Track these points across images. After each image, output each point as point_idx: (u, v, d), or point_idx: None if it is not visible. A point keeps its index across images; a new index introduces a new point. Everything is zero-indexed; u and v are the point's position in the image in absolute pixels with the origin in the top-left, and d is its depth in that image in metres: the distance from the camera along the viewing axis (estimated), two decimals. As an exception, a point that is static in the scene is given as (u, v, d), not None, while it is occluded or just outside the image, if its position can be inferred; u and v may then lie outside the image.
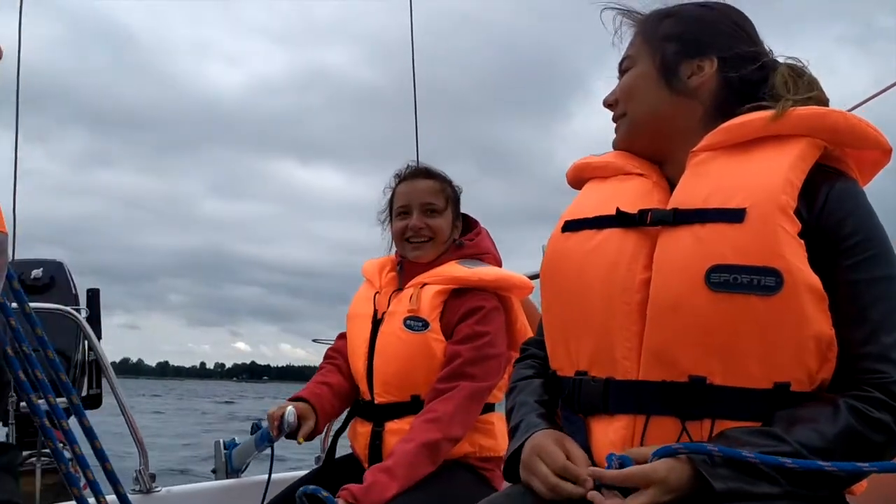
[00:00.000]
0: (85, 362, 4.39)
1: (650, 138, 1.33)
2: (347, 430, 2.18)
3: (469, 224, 2.26)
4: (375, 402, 2.05)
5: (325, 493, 1.74)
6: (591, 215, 1.29)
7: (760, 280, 1.08)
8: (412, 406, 1.98)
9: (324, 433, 2.77)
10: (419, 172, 2.20)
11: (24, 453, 3.54)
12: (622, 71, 1.38)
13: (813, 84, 1.27)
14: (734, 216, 1.12)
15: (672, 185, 1.27)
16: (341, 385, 2.17)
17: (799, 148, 1.18)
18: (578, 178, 1.44)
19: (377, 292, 2.17)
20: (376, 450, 2.00)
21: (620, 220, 1.24)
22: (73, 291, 4.74)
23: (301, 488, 1.78)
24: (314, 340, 4.07)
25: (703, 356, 1.12)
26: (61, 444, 1.47)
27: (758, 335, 1.09)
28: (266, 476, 2.21)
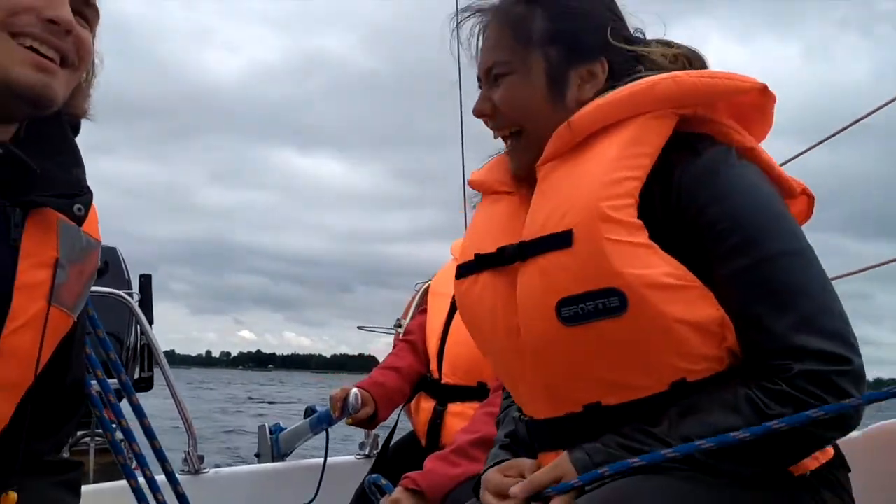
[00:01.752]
0: (137, 346, 4.50)
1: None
2: (411, 402, 2.21)
3: None
4: (442, 381, 2.08)
5: (384, 482, 1.80)
6: (470, 257, 1.22)
7: (605, 303, 1.02)
8: (477, 392, 1.99)
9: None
10: None
11: (79, 433, 3.65)
12: (495, 76, 1.20)
13: (689, 58, 1.18)
14: (563, 241, 1.06)
15: None
16: (412, 367, 2.19)
17: (630, 132, 1.08)
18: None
19: None
20: (436, 428, 2.02)
21: (485, 262, 1.18)
22: (127, 276, 4.85)
23: (368, 478, 1.84)
24: (359, 328, 4.10)
25: (588, 387, 1.09)
26: (113, 424, 1.50)
27: (627, 353, 1.04)
28: (314, 460, 2.25)
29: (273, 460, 2.79)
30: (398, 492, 1.77)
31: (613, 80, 1.15)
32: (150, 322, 2.90)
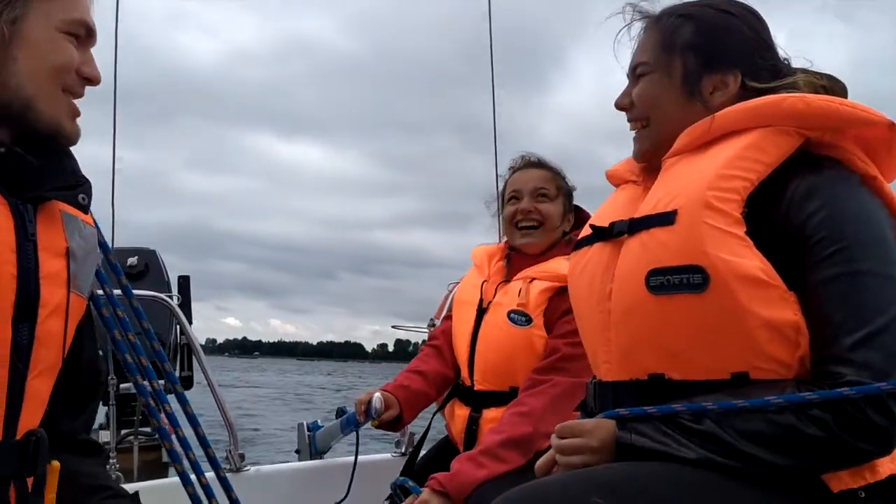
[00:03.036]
0: (177, 345, 4.60)
1: (667, 150, 1.30)
2: (445, 409, 2.23)
3: (582, 219, 2.24)
4: (475, 388, 2.09)
5: (411, 484, 1.83)
6: (588, 233, 1.38)
7: (689, 278, 1.11)
8: (511, 396, 1.99)
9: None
10: (532, 163, 2.23)
11: (123, 432, 3.75)
12: (637, 75, 1.34)
13: (828, 88, 1.25)
14: (667, 219, 1.16)
15: None
16: (437, 372, 2.21)
17: (751, 139, 1.16)
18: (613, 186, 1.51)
19: (485, 281, 2.20)
20: (472, 434, 2.03)
21: (598, 234, 1.33)
22: (166, 278, 4.94)
23: (394, 481, 1.88)
24: (394, 327, 4.14)
25: (658, 355, 1.17)
26: (165, 425, 1.56)
27: (699, 331, 1.12)
28: (351, 458, 2.28)
29: (311, 457, 2.84)
30: (425, 493, 1.79)
31: (746, 94, 1.24)
32: (190, 322, 2.96)
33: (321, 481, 2.55)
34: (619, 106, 1.38)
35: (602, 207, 1.43)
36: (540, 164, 2.22)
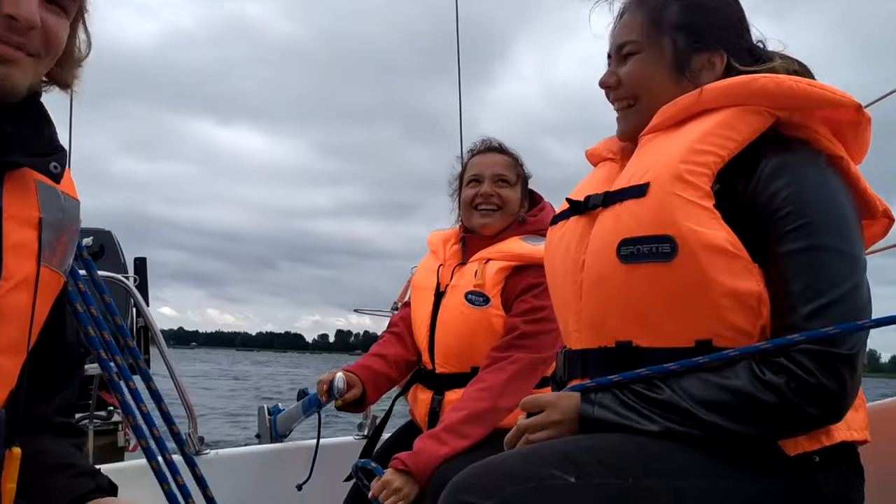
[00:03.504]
0: (133, 328, 4.51)
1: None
2: (408, 394, 2.24)
3: (534, 201, 2.28)
4: (436, 371, 2.11)
5: (373, 465, 1.85)
6: (566, 208, 1.41)
7: (658, 248, 1.15)
8: (472, 377, 2.01)
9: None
10: (492, 147, 2.25)
11: (77, 415, 3.67)
12: (624, 54, 1.35)
13: (800, 72, 1.28)
14: (639, 191, 1.20)
15: None
16: (399, 355, 2.23)
17: (722, 117, 1.20)
18: (592, 165, 1.54)
19: (441, 265, 2.22)
20: (435, 417, 2.05)
21: (574, 208, 1.36)
22: (122, 260, 4.84)
23: (355, 463, 1.89)
24: (356, 311, 4.12)
25: (626, 323, 1.21)
26: (112, 407, 1.53)
27: (666, 298, 1.16)
28: (312, 441, 2.27)
29: (272, 441, 2.82)
30: (388, 473, 1.81)
31: (730, 75, 1.28)
32: (147, 304, 2.90)
33: (282, 464, 2.53)
34: (606, 84, 1.38)
35: (580, 185, 1.46)
36: (501, 150, 2.25)
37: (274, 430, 2.89)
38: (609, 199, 1.27)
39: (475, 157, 2.25)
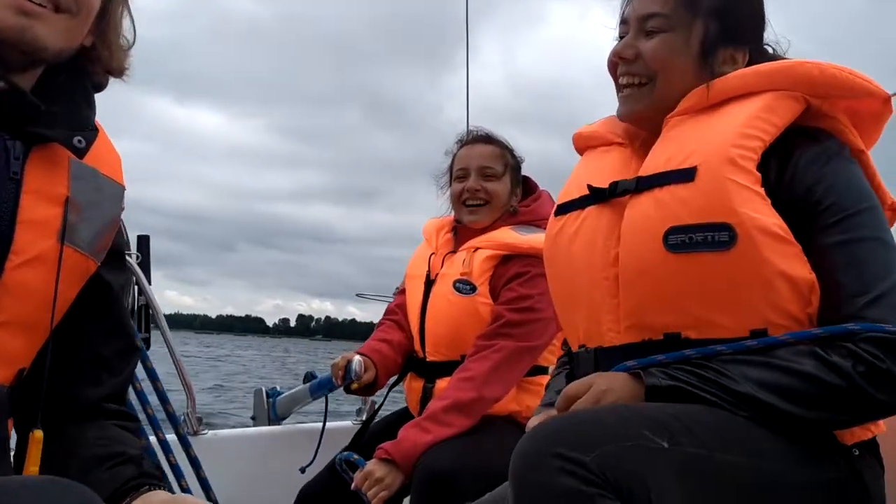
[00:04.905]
0: (135, 307, 4.49)
1: (664, 115, 1.27)
2: (403, 383, 2.24)
3: (530, 188, 2.26)
4: (427, 360, 2.11)
5: (355, 457, 1.84)
6: (575, 196, 1.32)
7: (714, 236, 1.10)
8: (461, 364, 2.00)
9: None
10: (479, 138, 2.22)
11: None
12: (649, 29, 1.26)
13: None
14: (686, 175, 1.14)
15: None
16: (401, 341, 2.22)
17: (765, 101, 1.17)
18: (578, 149, 1.47)
19: (433, 253, 2.21)
20: (426, 405, 2.03)
21: (595, 196, 1.27)
22: (126, 237, 4.82)
23: (338, 456, 1.88)
24: (358, 295, 4.11)
25: (675, 315, 1.15)
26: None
27: (722, 290, 1.11)
28: (312, 424, 2.26)
29: (269, 423, 2.81)
30: (371, 463, 1.80)
31: (746, 66, 1.24)
32: (149, 282, 2.89)
33: (281, 447, 2.53)
34: (621, 56, 1.28)
35: (581, 172, 1.39)
36: (488, 140, 2.21)
37: (273, 412, 2.88)
38: (643, 184, 1.20)
39: (462, 149, 2.22)
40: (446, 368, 2.04)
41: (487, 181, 2.13)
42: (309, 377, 2.40)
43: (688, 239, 1.11)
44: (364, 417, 2.79)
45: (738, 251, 1.08)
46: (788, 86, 1.18)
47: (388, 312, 2.33)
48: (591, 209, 1.29)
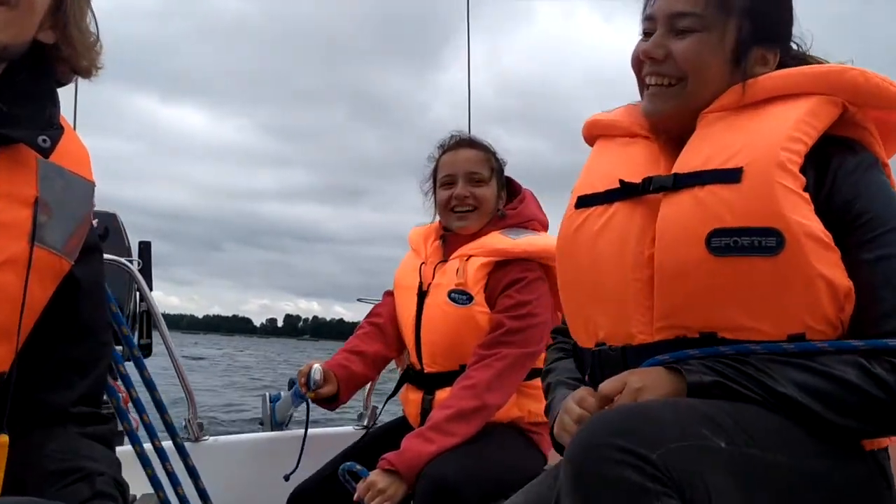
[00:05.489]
0: (136, 313, 4.50)
1: (694, 114, 1.25)
2: (399, 394, 2.22)
3: (514, 190, 2.24)
4: (425, 371, 2.09)
5: (359, 468, 1.83)
6: (600, 189, 1.28)
7: (761, 241, 1.08)
8: (461, 374, 1.98)
9: (367, 394, 2.82)
10: (463, 142, 2.19)
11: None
12: (681, 28, 1.23)
13: None
14: (731, 176, 1.12)
15: (681, 148, 1.25)
16: (378, 353, 2.21)
17: (810, 105, 1.15)
18: (590, 136, 1.44)
19: (423, 263, 2.18)
20: (427, 416, 2.01)
21: (625, 191, 1.24)
22: (127, 244, 4.82)
23: (342, 466, 1.87)
24: (359, 300, 4.10)
25: (713, 317, 1.13)
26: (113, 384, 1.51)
27: (765, 295, 1.09)
28: (316, 429, 2.26)
29: (272, 429, 2.81)
30: (374, 474, 1.79)
31: (777, 68, 1.23)
32: (151, 288, 2.90)
33: (281, 452, 2.52)
34: (650, 56, 1.25)
35: (607, 162, 1.35)
36: (472, 144, 2.18)
37: (273, 418, 2.89)
38: (682, 182, 1.17)
39: (446, 155, 2.18)
40: (445, 379, 2.02)
41: (475, 186, 2.11)
42: (291, 384, 2.39)
43: (732, 242, 1.09)
44: (365, 423, 2.79)
45: (785, 256, 1.07)
46: (831, 91, 1.16)
47: (371, 314, 2.31)
48: (620, 205, 1.25)
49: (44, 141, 1.04)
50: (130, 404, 1.54)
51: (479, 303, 2.01)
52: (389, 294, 2.31)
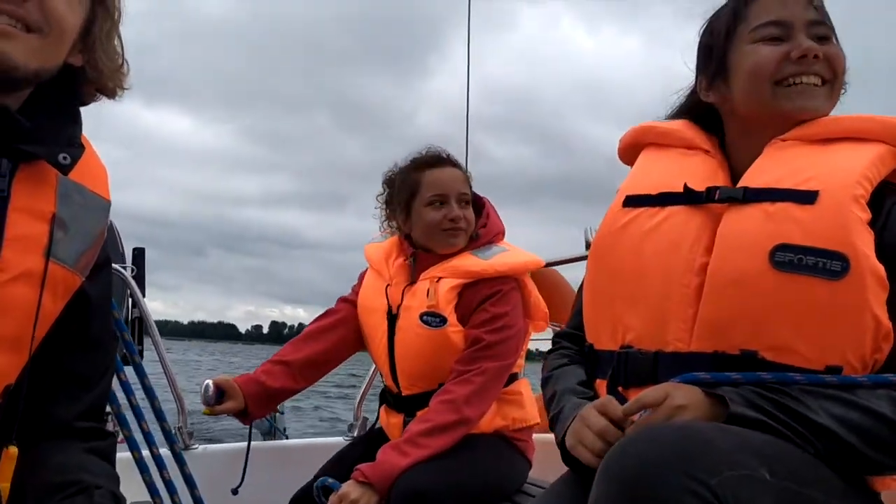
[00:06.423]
0: (129, 319, 4.49)
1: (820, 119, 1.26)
2: (379, 418, 2.23)
3: (479, 206, 2.19)
4: (403, 394, 2.08)
5: (330, 481, 1.83)
6: (654, 191, 1.29)
7: (826, 263, 1.08)
8: (439, 390, 1.97)
9: (357, 404, 2.83)
10: (446, 161, 2.13)
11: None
12: (821, 35, 1.26)
13: None
14: (806, 197, 1.13)
15: (733, 168, 1.28)
16: (309, 357, 2.15)
17: (878, 152, 1.18)
18: (636, 142, 1.43)
19: (388, 284, 2.14)
20: None
21: (687, 197, 1.24)
22: (121, 250, 4.81)
23: (316, 483, 1.86)
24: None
25: (759, 333, 1.12)
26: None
27: (817, 318, 1.09)
28: (307, 439, 2.26)
29: (263, 438, 2.83)
30: (347, 485, 1.78)
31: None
32: (144, 295, 2.91)
33: (273, 462, 2.54)
34: (812, 51, 1.24)
35: (664, 168, 1.35)
36: (454, 163, 2.14)
37: (262, 426, 2.91)
38: (752, 195, 1.18)
39: (432, 172, 2.09)
40: (425, 400, 1.99)
41: (465, 208, 2.08)
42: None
43: (797, 259, 1.10)
44: (355, 434, 2.80)
45: (845, 283, 1.07)
46: (893, 140, 1.20)
47: (332, 310, 2.26)
48: (676, 209, 1.26)
49: (64, 158, 1.06)
50: (121, 407, 1.56)
51: (452, 323, 1.99)
52: (344, 301, 2.26)
